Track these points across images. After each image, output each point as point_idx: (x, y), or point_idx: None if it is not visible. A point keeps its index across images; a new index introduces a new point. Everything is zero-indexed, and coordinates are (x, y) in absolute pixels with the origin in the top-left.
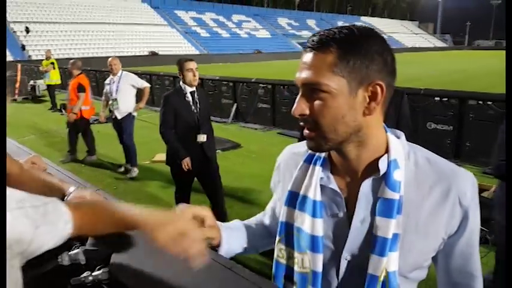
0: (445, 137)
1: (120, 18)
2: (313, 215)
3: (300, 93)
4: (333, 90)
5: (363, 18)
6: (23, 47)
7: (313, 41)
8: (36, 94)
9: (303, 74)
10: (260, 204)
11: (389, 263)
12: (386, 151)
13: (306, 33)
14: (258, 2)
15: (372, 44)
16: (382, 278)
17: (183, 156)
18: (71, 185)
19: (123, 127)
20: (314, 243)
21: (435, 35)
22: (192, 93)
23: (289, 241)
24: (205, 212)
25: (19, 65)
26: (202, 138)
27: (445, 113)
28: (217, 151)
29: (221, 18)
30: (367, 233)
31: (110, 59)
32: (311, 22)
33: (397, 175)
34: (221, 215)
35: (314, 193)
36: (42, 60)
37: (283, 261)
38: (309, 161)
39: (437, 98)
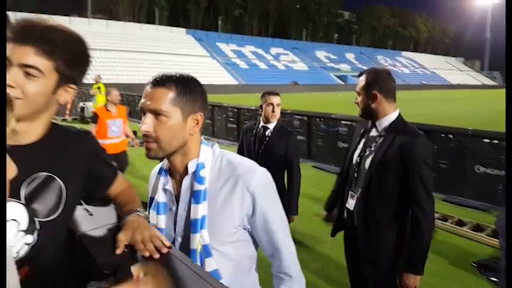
0: (495, 182)
1: (166, 48)
2: (157, 213)
3: (145, 116)
4: (172, 116)
5: (404, 53)
6: None
7: (156, 79)
8: (85, 115)
9: (150, 103)
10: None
11: (202, 238)
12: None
13: (344, 67)
14: (297, 36)
15: (197, 88)
16: (199, 250)
17: None
18: (130, 209)
19: None
20: None
21: (482, 72)
22: (264, 128)
23: None
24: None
25: None
26: None
27: (495, 156)
28: None
29: (260, 51)
30: (187, 217)
31: None
32: (350, 56)
33: (203, 172)
34: None
35: (158, 196)
36: (93, 84)
37: None
38: (159, 172)
39: (486, 140)
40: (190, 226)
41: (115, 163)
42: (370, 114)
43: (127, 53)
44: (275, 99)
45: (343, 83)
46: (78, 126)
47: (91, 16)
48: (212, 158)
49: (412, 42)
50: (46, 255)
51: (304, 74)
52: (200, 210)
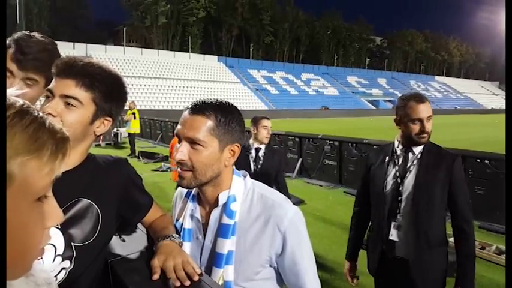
0: None
1: (198, 75)
2: (183, 239)
3: (181, 143)
4: (209, 146)
5: (437, 77)
6: None
7: (196, 106)
8: (118, 141)
9: (186, 131)
10: (324, 269)
11: (226, 273)
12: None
13: (376, 92)
14: (328, 61)
15: (236, 118)
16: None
17: None
18: (164, 235)
19: None
20: None
21: None
22: (257, 149)
23: None
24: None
25: None
26: None
27: None
28: None
29: (290, 77)
30: (213, 250)
31: None
32: (382, 81)
33: (233, 206)
34: None
35: (184, 221)
36: (127, 110)
37: None
38: (187, 196)
39: None
40: (214, 259)
41: None
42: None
43: (160, 80)
44: (268, 123)
45: (374, 108)
46: (112, 151)
47: (126, 44)
48: (244, 190)
49: (445, 67)
50: (83, 281)
51: (335, 99)
52: (227, 246)
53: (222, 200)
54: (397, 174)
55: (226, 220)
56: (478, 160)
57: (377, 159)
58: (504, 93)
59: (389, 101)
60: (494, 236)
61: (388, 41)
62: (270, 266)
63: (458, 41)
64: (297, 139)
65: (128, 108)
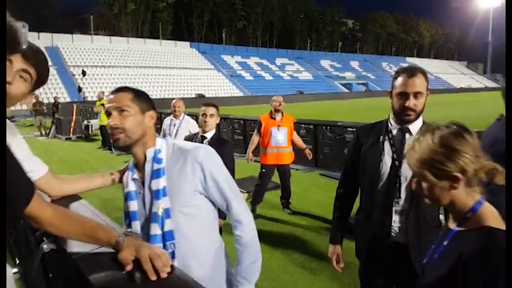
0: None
1: (170, 62)
2: (130, 199)
3: (111, 115)
4: (132, 110)
5: (409, 59)
6: (80, 89)
7: (115, 89)
8: (89, 133)
9: (114, 104)
10: (304, 254)
11: (164, 203)
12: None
13: (349, 75)
14: (301, 45)
15: (145, 94)
16: (160, 214)
17: None
18: (117, 232)
19: None
20: (131, 216)
21: (485, 75)
22: (202, 138)
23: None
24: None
25: (75, 106)
26: None
27: None
28: None
29: (265, 62)
30: (151, 191)
31: (174, 100)
32: (354, 64)
33: (160, 155)
34: None
35: (129, 187)
36: (97, 101)
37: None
38: (130, 169)
39: None
40: (153, 195)
41: (279, 175)
42: (419, 116)
43: (131, 68)
44: (208, 110)
45: (348, 91)
46: (83, 144)
47: (94, 33)
48: (166, 145)
49: (415, 48)
50: None
51: (309, 83)
52: (161, 183)
53: (149, 154)
54: (394, 156)
55: (156, 166)
56: None
57: (369, 139)
58: (472, 72)
59: (362, 83)
60: None
61: (360, 24)
62: (200, 193)
63: (428, 23)
64: None
65: (97, 99)
